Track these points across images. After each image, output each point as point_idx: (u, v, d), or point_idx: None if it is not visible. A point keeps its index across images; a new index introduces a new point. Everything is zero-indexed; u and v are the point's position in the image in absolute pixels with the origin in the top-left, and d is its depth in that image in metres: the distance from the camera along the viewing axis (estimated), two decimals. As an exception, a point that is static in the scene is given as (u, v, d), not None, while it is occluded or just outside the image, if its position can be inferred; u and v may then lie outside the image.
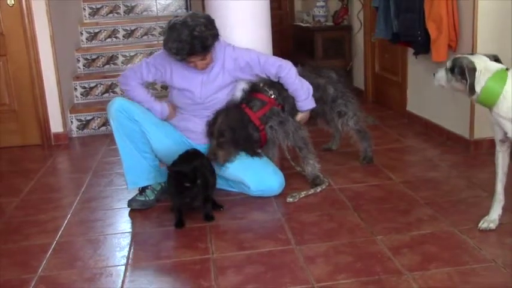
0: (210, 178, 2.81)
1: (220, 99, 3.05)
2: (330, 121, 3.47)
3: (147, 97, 3.06)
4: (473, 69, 2.29)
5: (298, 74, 3.09)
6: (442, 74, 2.47)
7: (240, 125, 2.97)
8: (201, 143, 3.07)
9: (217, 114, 3.00)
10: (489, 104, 2.32)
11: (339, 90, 3.40)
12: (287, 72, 3.01)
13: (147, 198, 3.01)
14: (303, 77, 3.15)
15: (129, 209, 3.00)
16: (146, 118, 2.98)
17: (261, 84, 3.08)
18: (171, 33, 2.83)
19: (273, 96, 3.06)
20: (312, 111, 3.21)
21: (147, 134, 2.97)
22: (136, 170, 2.98)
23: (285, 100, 3.10)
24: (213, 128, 2.96)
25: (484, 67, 2.31)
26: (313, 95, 3.16)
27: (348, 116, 3.41)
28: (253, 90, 3.08)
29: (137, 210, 2.97)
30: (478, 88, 2.30)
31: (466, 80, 2.31)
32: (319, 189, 3.09)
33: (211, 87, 3.01)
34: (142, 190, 3.03)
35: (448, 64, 2.42)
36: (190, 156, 2.79)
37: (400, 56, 4.62)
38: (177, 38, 2.80)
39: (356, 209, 2.83)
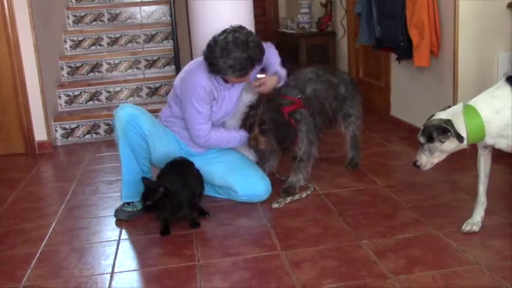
0: (196, 187, 2.81)
1: (232, 111, 3.10)
2: (337, 120, 3.49)
3: (231, 133, 3.05)
4: (449, 121, 2.30)
5: (314, 72, 3.32)
6: (422, 156, 2.42)
7: (280, 116, 3.01)
8: (199, 151, 3.08)
9: (254, 107, 3.03)
10: (481, 137, 2.33)
11: (350, 92, 3.44)
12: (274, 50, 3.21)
13: (135, 209, 2.98)
14: (318, 76, 3.30)
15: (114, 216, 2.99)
16: (154, 132, 2.94)
17: (285, 88, 3.16)
18: (227, 53, 2.76)
19: (298, 97, 3.12)
20: (329, 110, 3.30)
21: (150, 146, 2.93)
22: (134, 186, 2.93)
23: (309, 102, 3.17)
24: (253, 119, 2.98)
25: (452, 114, 2.34)
26: (328, 92, 3.30)
27: (351, 119, 3.46)
28: (279, 93, 3.13)
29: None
30: (464, 134, 2.30)
31: (450, 132, 2.29)
32: (304, 194, 3.11)
33: (233, 103, 3.06)
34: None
35: (422, 140, 2.39)
36: (175, 167, 2.79)
37: (383, 62, 4.67)
38: (235, 55, 2.76)
39: (341, 214, 2.85)
